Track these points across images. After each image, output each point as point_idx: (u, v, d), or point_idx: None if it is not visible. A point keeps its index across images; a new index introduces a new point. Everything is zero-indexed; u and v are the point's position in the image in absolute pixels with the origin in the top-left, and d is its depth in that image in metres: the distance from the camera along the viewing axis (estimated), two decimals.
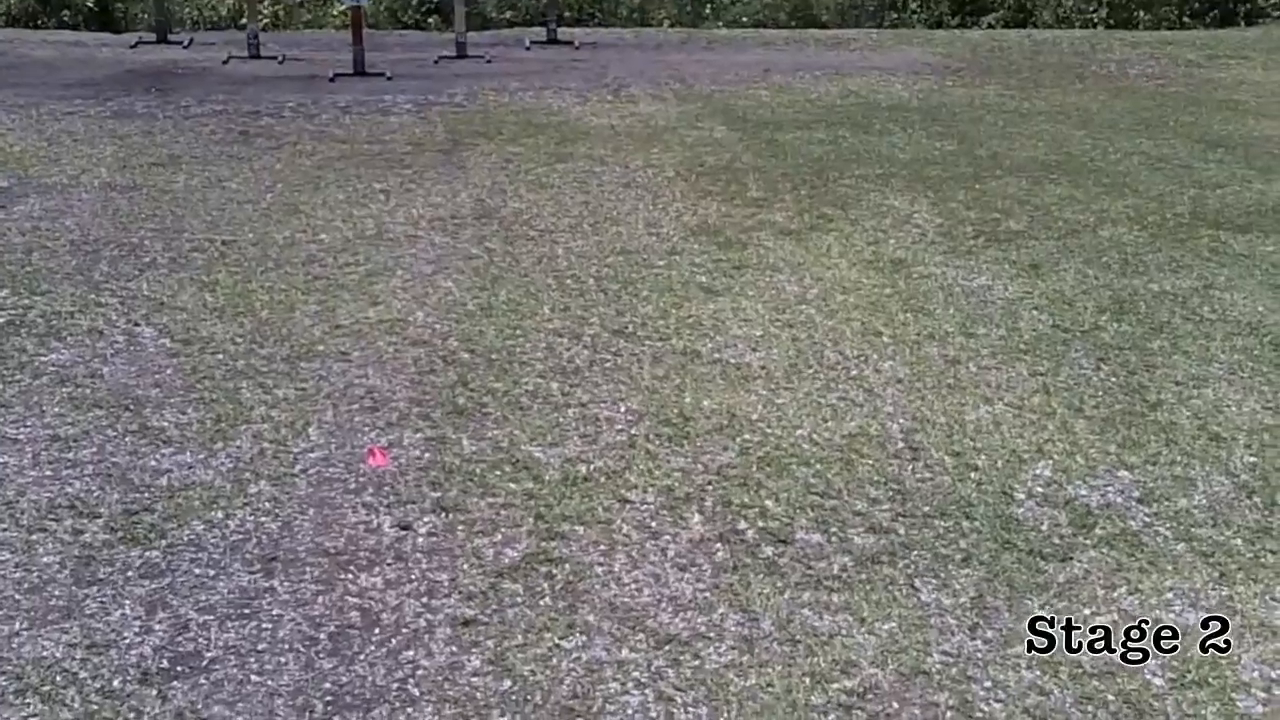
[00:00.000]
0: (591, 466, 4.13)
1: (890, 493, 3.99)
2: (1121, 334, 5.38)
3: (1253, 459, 4.27)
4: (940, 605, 3.39)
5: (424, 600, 3.37)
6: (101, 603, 3.32)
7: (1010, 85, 11.61)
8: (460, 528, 3.73)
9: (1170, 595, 3.45)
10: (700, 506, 3.90)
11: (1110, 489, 4.04)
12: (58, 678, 3.01)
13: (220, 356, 4.92)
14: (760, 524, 3.79)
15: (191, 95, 10.32)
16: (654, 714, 2.94)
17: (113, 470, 4.04)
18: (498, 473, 4.06)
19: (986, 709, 2.97)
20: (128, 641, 3.16)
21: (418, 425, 4.40)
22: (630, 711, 2.94)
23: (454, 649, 3.16)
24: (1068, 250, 6.54)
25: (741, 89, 11.23)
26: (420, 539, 3.67)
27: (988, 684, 3.06)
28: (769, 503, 3.92)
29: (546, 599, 3.38)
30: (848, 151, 8.78)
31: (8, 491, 3.89)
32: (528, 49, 13.57)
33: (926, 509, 3.89)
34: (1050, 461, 4.22)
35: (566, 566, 3.54)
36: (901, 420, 4.52)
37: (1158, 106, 10.66)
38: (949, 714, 2.96)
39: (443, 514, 3.81)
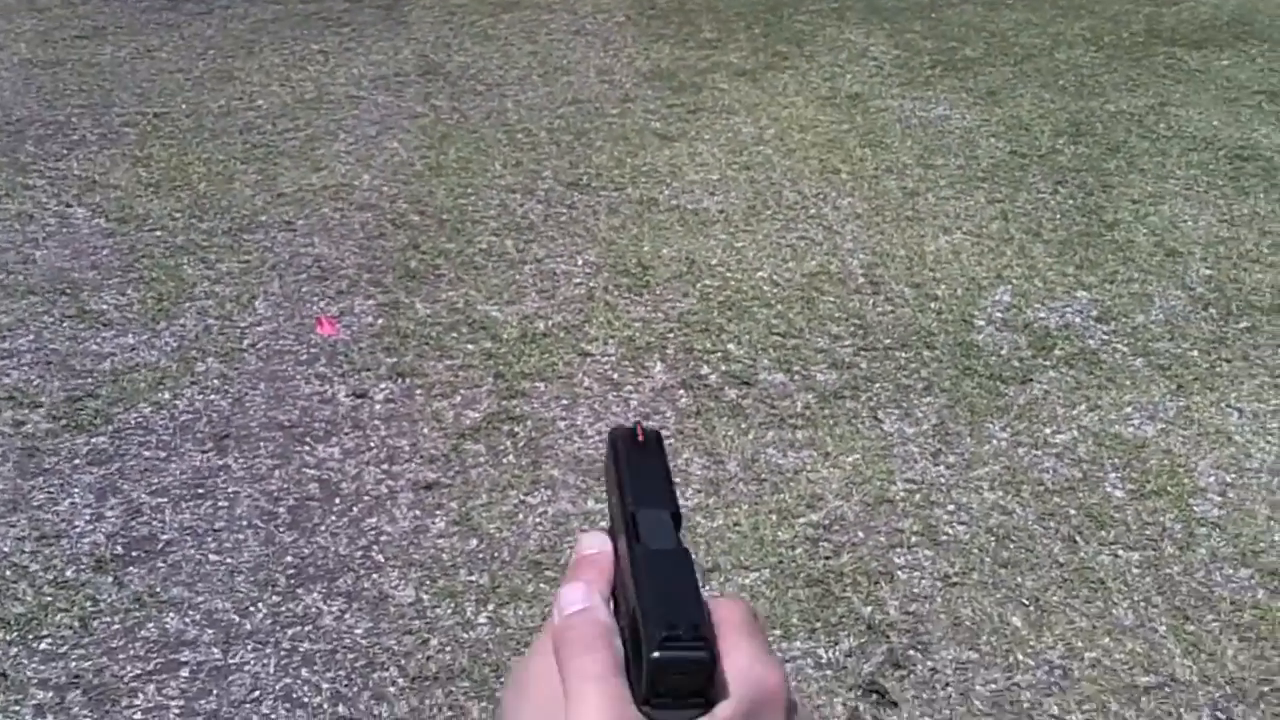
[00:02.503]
0: (550, 322, 4.07)
1: (852, 328, 3.96)
2: (1078, 156, 5.31)
3: (1208, 271, 4.24)
4: (903, 434, 3.38)
5: (384, 467, 3.33)
6: (49, 493, 3.27)
7: None
8: (418, 392, 3.68)
9: (1129, 410, 3.45)
10: (662, 355, 3.85)
11: (1069, 310, 4.02)
12: (7, 572, 2.97)
13: (159, 234, 4.79)
14: (723, 368, 3.76)
15: None
16: None
17: (52, 357, 3.94)
18: (454, 334, 4.00)
19: (951, 532, 2.98)
20: (79, 530, 3.12)
21: (369, 291, 4.31)
22: None
23: (418, 513, 3.13)
24: (1024, 75, 6.42)
25: None
26: (377, 406, 3.62)
27: (951, 508, 3.07)
28: (731, 346, 3.88)
29: (510, 457, 3.35)
30: None
31: None
32: None
33: (888, 341, 3.86)
34: (1009, 287, 4.18)
35: (529, 423, 3.51)
36: (862, 255, 4.46)
37: None
38: (914, 539, 2.96)
39: (399, 380, 3.75)
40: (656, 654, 0.49)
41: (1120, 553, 2.91)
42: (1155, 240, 4.48)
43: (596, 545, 0.57)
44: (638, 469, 0.59)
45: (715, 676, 0.50)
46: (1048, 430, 3.37)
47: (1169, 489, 3.10)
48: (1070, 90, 6.15)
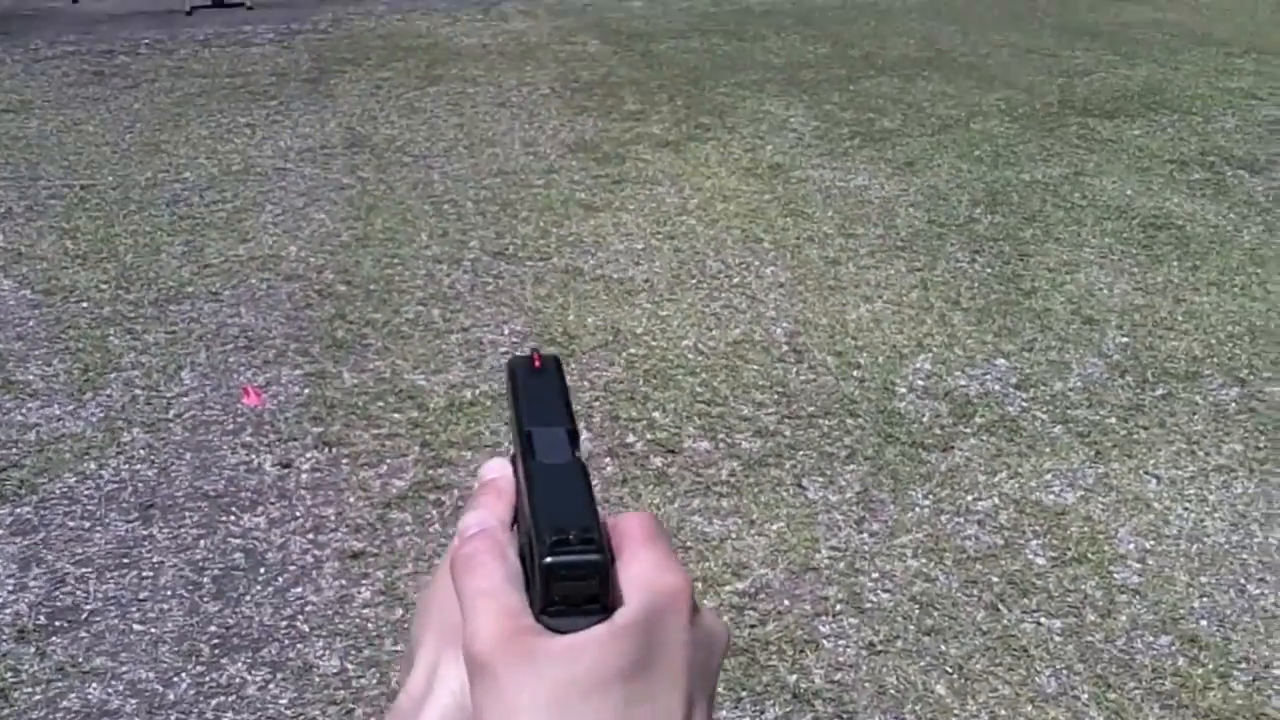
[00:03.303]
0: (476, 391, 4.08)
1: (776, 396, 4.01)
2: (995, 225, 5.45)
3: (1124, 339, 4.36)
4: (827, 502, 3.43)
5: (310, 536, 3.31)
6: None
7: None
8: (345, 461, 3.67)
9: (1049, 476, 3.52)
10: (588, 423, 3.87)
11: (988, 377, 4.11)
12: None
13: (85, 305, 4.75)
14: (649, 436, 3.79)
15: (41, 37, 9.88)
16: None
17: None
18: (381, 404, 4.00)
19: (875, 599, 3.02)
20: (1, 601, 3.06)
21: (296, 361, 4.30)
22: None
23: (343, 582, 3.11)
24: (941, 146, 6.59)
25: (614, 1, 11.08)
26: (304, 475, 3.60)
27: (875, 575, 3.11)
28: (656, 414, 3.91)
29: (436, 525, 3.35)
30: (723, 59, 8.72)
31: None
32: None
33: (811, 409, 3.92)
34: (930, 355, 4.27)
35: (455, 492, 3.51)
36: (785, 324, 4.53)
37: None
38: (839, 607, 3.00)
39: (326, 449, 3.74)
40: (548, 559, 0.48)
41: (1043, 620, 2.97)
42: (1072, 308, 4.61)
43: (496, 470, 0.57)
44: (534, 392, 0.58)
45: (610, 581, 0.49)
46: (969, 497, 3.43)
47: (1089, 556, 3.17)
48: (986, 160, 6.32)
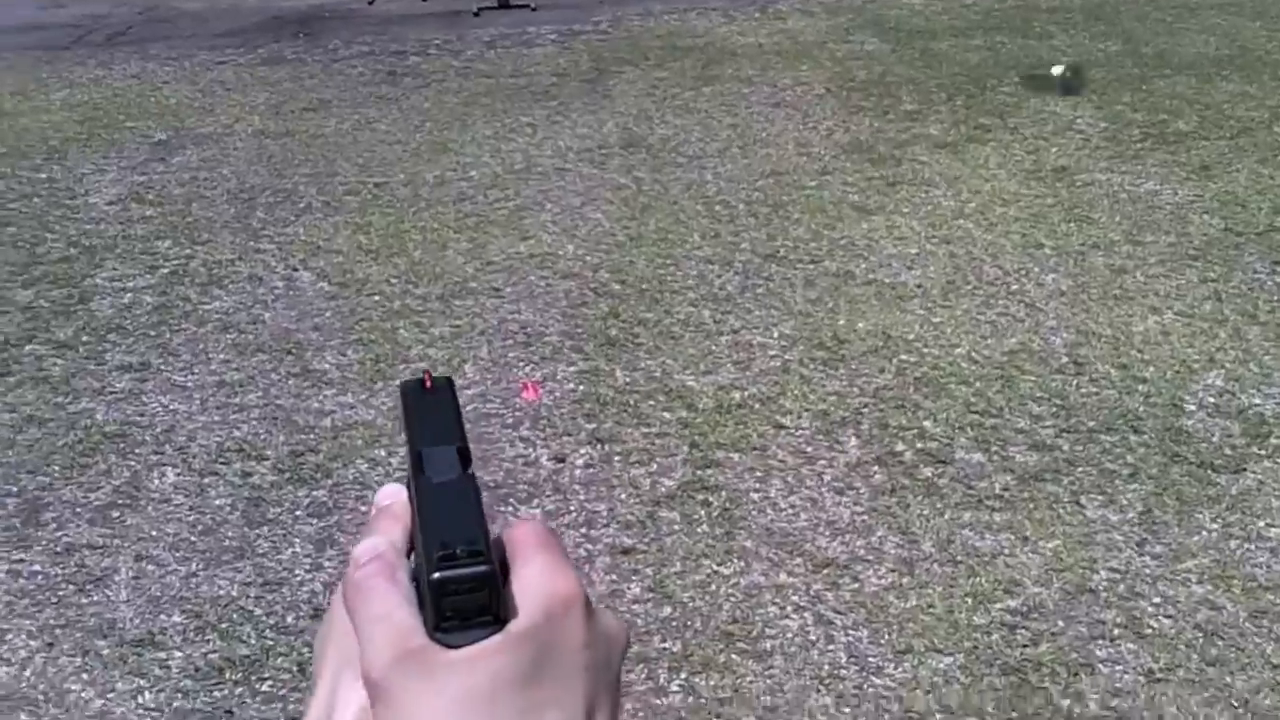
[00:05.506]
0: (745, 393, 4.11)
1: (1054, 409, 3.88)
2: None
3: None
4: (1107, 521, 3.30)
5: (583, 530, 3.41)
6: (272, 542, 3.46)
7: None
8: (616, 458, 3.77)
9: None
10: (856, 429, 3.85)
11: None
12: (234, 615, 3.16)
13: (376, 298, 5.02)
14: (918, 445, 3.74)
15: (338, 38, 10.45)
16: (813, 637, 2.94)
17: (278, 413, 4.17)
18: (651, 402, 4.08)
19: (1156, 625, 2.89)
20: (299, 579, 3.29)
21: (571, 358, 4.43)
22: (790, 635, 2.95)
23: (614, 577, 3.20)
24: (1240, 150, 6.21)
25: None
26: (577, 470, 3.72)
27: (1156, 600, 2.98)
28: (927, 423, 3.85)
29: (704, 526, 3.40)
30: (1006, 58, 8.47)
31: (179, 437, 4.05)
32: None
33: (1092, 424, 3.78)
34: (1222, 371, 4.04)
35: (723, 493, 3.55)
36: (1065, 334, 4.38)
37: None
38: (1116, 631, 2.88)
39: (598, 445, 3.85)
40: (435, 575, 0.49)
41: None
42: None
43: (391, 496, 0.58)
44: (425, 412, 0.59)
45: (500, 592, 0.50)
46: (1262, 523, 3.24)
47: None
48: None
